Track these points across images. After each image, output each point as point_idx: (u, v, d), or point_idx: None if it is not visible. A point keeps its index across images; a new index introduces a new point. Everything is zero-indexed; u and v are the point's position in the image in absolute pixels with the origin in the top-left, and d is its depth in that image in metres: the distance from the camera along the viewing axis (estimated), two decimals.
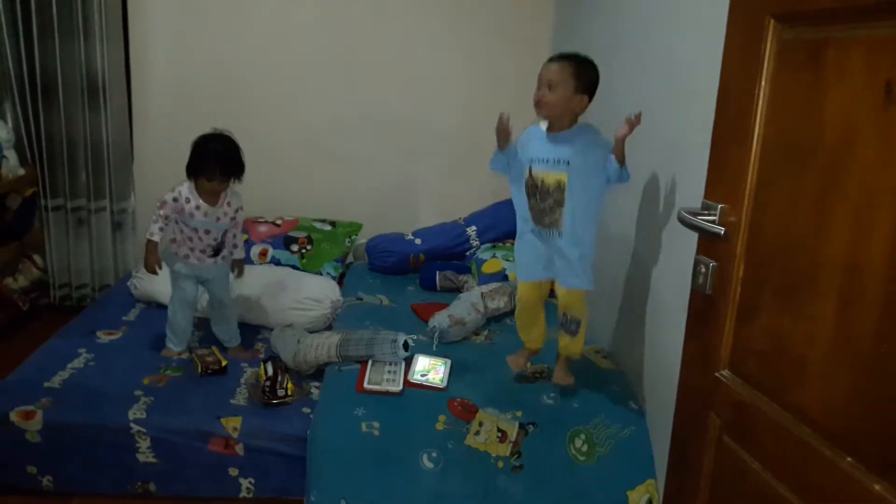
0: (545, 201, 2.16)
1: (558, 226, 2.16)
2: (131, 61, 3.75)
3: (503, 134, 2.18)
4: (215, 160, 2.58)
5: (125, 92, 3.74)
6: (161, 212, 2.61)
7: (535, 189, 2.18)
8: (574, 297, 2.25)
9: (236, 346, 2.92)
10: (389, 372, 2.44)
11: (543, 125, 2.20)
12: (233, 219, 2.73)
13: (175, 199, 2.61)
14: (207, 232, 2.67)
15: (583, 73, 2.13)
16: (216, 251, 2.73)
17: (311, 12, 3.78)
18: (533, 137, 2.22)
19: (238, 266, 2.87)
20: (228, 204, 2.69)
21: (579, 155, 2.10)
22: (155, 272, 2.67)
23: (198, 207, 2.63)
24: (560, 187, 2.12)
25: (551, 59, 2.15)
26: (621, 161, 2.06)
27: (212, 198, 2.65)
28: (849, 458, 1.09)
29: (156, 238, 2.62)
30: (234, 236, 2.79)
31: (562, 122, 2.15)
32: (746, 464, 1.32)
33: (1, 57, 3.54)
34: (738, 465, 1.35)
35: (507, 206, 3.77)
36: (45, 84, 3.60)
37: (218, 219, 2.67)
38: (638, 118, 2.02)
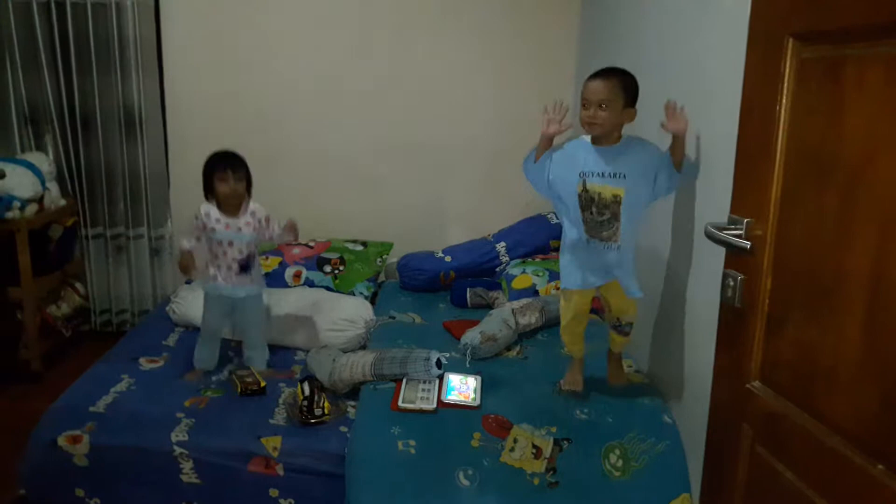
0: (603, 215, 2.18)
1: (616, 238, 2.20)
2: (166, 93, 3.86)
3: (551, 136, 2.23)
4: (216, 161, 2.71)
5: (161, 123, 3.85)
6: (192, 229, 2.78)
7: (590, 202, 2.19)
8: (630, 303, 2.33)
9: (262, 368, 2.96)
10: (423, 390, 2.47)
11: (587, 138, 2.22)
12: (260, 222, 2.77)
13: (196, 218, 2.74)
14: (231, 244, 2.73)
15: (629, 87, 2.15)
16: (243, 267, 2.77)
17: (341, 40, 3.87)
18: (581, 151, 2.22)
19: (288, 228, 2.81)
20: (252, 214, 2.75)
21: (636, 167, 2.14)
22: (187, 272, 2.75)
23: (218, 220, 2.72)
24: (617, 200, 2.15)
25: (595, 77, 2.16)
26: (680, 158, 2.09)
27: (232, 209, 2.73)
28: (879, 466, 1.11)
29: (185, 246, 2.73)
30: (273, 229, 2.81)
31: (611, 137, 2.18)
32: (779, 473, 1.34)
33: (42, 92, 3.67)
34: (771, 475, 1.37)
35: (536, 221, 3.82)
36: (84, 117, 3.73)
37: (240, 229, 2.73)
38: (672, 107, 2.07)
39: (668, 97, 2.52)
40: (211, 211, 2.73)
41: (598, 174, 2.17)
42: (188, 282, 3.73)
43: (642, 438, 2.27)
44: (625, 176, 2.14)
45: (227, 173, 2.68)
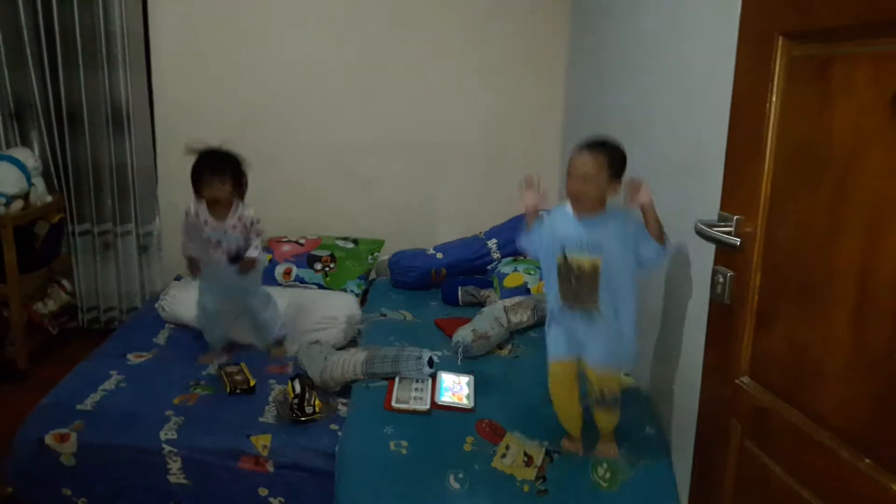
0: (582, 285, 2.15)
1: (597, 306, 2.15)
2: (154, 88, 3.84)
3: (534, 207, 2.21)
4: (201, 164, 2.67)
5: (149, 118, 3.83)
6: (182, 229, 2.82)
7: (569, 273, 2.16)
8: (610, 377, 2.24)
9: (272, 342, 3.02)
10: (416, 390, 2.47)
11: (569, 207, 2.19)
12: (246, 227, 2.77)
13: (186, 215, 2.76)
14: (218, 244, 2.74)
15: (615, 160, 2.12)
16: (232, 260, 2.79)
17: (331, 36, 3.86)
18: (561, 220, 2.20)
19: (245, 263, 2.80)
20: (239, 218, 2.75)
21: (614, 238, 2.12)
22: (193, 275, 2.88)
23: (206, 222, 2.73)
24: (596, 270, 2.12)
25: (583, 149, 2.13)
26: (658, 232, 2.09)
27: (219, 212, 2.73)
28: (867, 460, 1.12)
29: (191, 253, 2.81)
30: (251, 240, 2.80)
31: (593, 208, 2.15)
32: (768, 468, 1.35)
33: (27, 87, 3.63)
34: (759, 470, 1.38)
35: None
36: (71, 113, 3.69)
37: (226, 231, 2.74)
38: (639, 184, 2.07)
39: (660, 95, 2.54)
40: (200, 211, 2.73)
41: (577, 245, 2.15)
42: (177, 278, 3.72)
43: (630, 451, 2.28)
44: (602, 247, 2.12)
45: (211, 179, 2.65)
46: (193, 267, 2.82)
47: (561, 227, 2.18)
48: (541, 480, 2.20)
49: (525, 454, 2.26)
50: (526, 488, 2.18)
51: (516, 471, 2.21)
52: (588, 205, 2.13)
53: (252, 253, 2.79)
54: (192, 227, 2.76)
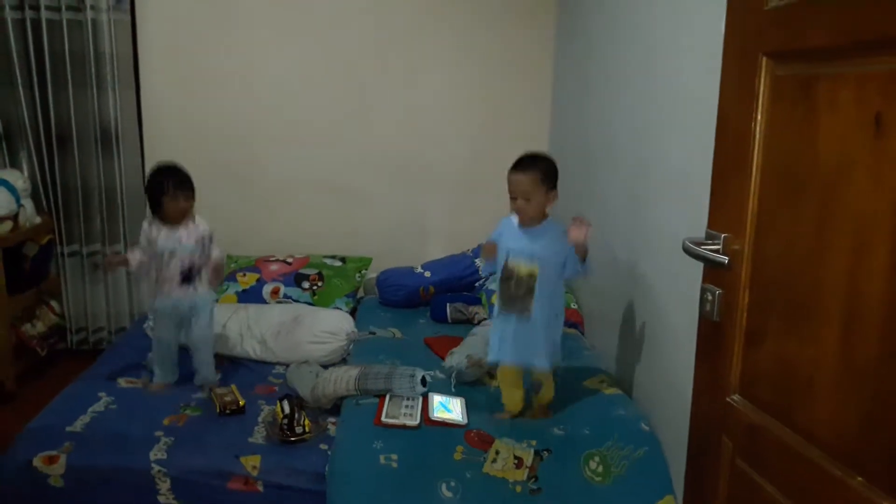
0: (520, 289, 2.36)
1: (529, 312, 2.36)
2: (143, 109, 3.84)
3: (490, 252, 2.42)
4: (164, 181, 2.72)
5: (138, 139, 3.83)
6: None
7: (510, 277, 2.37)
8: (544, 376, 2.47)
9: (208, 380, 2.92)
10: (407, 406, 2.47)
11: (515, 218, 2.41)
12: (199, 240, 2.78)
13: (143, 231, 2.78)
14: (172, 254, 2.74)
15: (549, 173, 2.34)
16: (185, 278, 2.77)
17: (318, 55, 3.88)
18: (508, 229, 2.44)
19: (213, 269, 2.84)
20: (195, 227, 2.77)
21: (549, 249, 2.34)
22: (109, 267, 3.21)
23: (159, 231, 2.74)
24: (532, 277, 2.34)
25: (517, 169, 2.36)
26: (584, 257, 2.29)
27: (175, 222, 2.75)
28: (859, 478, 1.12)
29: (131, 255, 2.82)
30: (210, 249, 2.83)
31: (535, 219, 2.38)
32: (760, 486, 1.35)
33: (16, 108, 3.64)
34: (751, 488, 1.38)
35: None
36: (60, 134, 3.70)
37: (181, 240, 2.74)
38: (584, 222, 2.23)
39: (645, 111, 2.57)
40: (153, 226, 2.75)
41: (518, 252, 2.37)
42: None
43: (621, 446, 2.29)
44: (539, 257, 2.33)
45: (177, 194, 2.70)
46: (117, 262, 3.00)
47: (507, 236, 2.42)
48: (533, 480, 2.22)
49: (515, 457, 2.27)
50: (518, 489, 2.19)
51: (507, 473, 2.23)
52: (530, 217, 2.36)
53: (214, 253, 2.83)
54: (149, 244, 2.76)
